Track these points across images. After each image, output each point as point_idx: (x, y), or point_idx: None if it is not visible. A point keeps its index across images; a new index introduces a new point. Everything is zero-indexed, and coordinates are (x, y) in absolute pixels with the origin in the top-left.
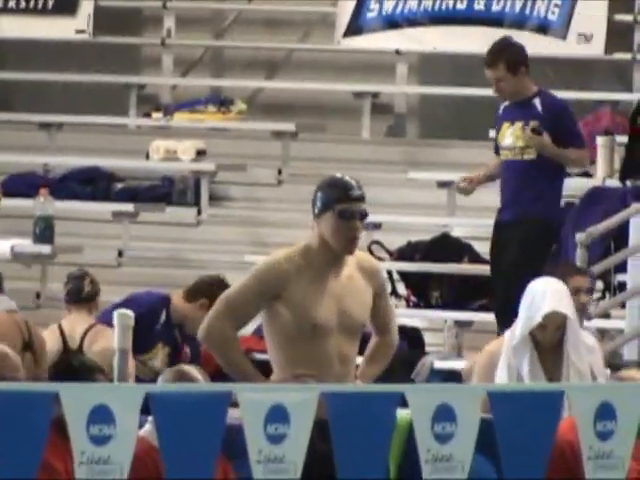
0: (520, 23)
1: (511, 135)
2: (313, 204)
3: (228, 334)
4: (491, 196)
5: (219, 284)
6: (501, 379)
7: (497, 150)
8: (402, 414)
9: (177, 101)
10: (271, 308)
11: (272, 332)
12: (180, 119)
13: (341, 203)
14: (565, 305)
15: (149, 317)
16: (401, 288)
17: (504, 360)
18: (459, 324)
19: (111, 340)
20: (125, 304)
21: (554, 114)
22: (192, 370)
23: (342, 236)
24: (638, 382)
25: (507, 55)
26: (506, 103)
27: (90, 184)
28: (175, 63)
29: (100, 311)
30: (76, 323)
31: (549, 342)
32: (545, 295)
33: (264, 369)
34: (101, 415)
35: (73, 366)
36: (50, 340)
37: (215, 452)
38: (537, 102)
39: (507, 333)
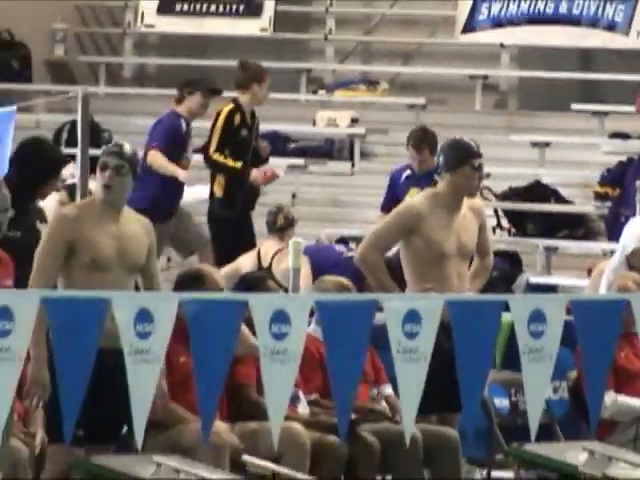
0: (594, 22)
1: None
2: (445, 161)
3: (377, 259)
4: (574, 153)
5: None
6: (602, 289)
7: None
8: (506, 316)
9: (336, 81)
10: (408, 239)
11: (408, 256)
12: (339, 95)
13: (475, 158)
14: None
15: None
16: (504, 222)
17: (605, 276)
18: (547, 249)
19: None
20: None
21: None
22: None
23: (474, 183)
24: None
25: (430, 142)
26: (408, 172)
27: (271, 144)
28: (335, 53)
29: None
30: (270, 248)
31: None
32: None
33: None
34: (280, 317)
35: (249, 278)
36: (249, 259)
37: (365, 344)
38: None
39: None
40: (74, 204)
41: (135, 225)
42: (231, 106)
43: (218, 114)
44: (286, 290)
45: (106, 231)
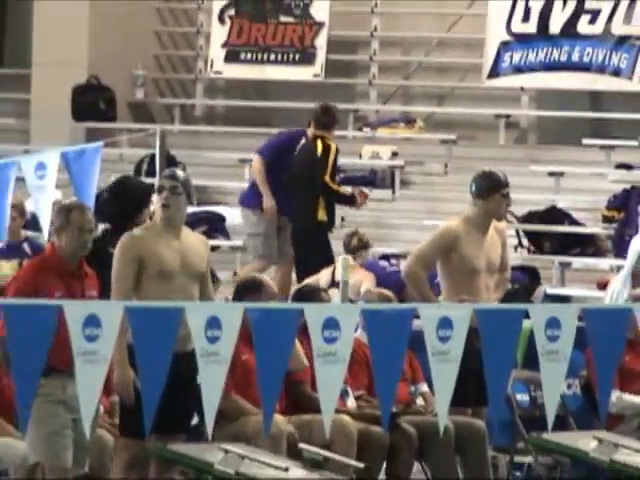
0: (602, 69)
1: None
2: (478, 189)
3: (420, 274)
4: (585, 181)
5: None
6: (606, 298)
7: None
8: (526, 323)
9: (379, 120)
10: (446, 256)
11: (445, 271)
12: (381, 132)
13: (504, 188)
14: None
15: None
16: (525, 241)
17: (612, 286)
18: (562, 264)
19: (359, 278)
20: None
21: None
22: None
23: (502, 209)
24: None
25: None
26: None
27: None
28: (378, 96)
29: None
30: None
31: None
32: None
33: None
34: (331, 324)
35: (305, 290)
36: (326, 274)
37: (404, 347)
38: None
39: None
40: (141, 226)
41: (194, 240)
42: (335, 143)
43: (326, 149)
44: (351, 301)
45: (169, 246)
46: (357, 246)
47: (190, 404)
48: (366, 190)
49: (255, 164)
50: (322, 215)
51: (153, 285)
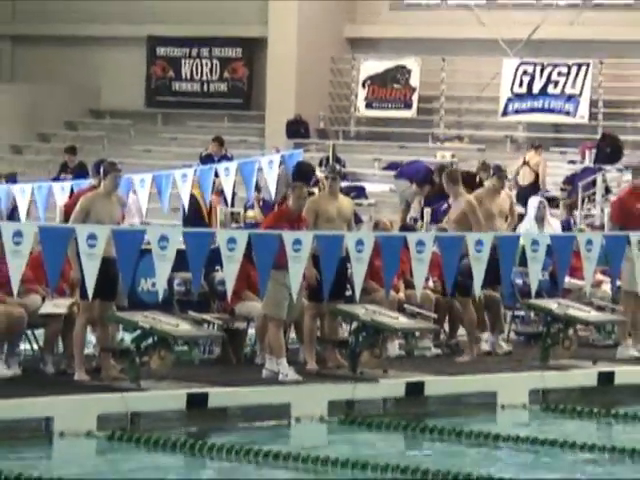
0: (560, 112)
1: None
2: (489, 173)
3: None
4: (554, 170)
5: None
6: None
7: None
8: (521, 241)
9: (444, 138)
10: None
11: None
12: (446, 144)
13: (501, 172)
14: None
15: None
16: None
17: (523, 225)
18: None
19: None
20: None
21: None
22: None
23: (502, 183)
24: None
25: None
26: None
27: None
28: (444, 125)
29: None
30: None
31: None
32: None
33: None
34: (421, 242)
35: (407, 225)
36: None
37: (458, 254)
38: None
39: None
40: (317, 194)
41: (344, 200)
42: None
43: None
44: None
45: (331, 204)
46: None
47: (344, 283)
48: None
49: None
50: None
51: (323, 225)
